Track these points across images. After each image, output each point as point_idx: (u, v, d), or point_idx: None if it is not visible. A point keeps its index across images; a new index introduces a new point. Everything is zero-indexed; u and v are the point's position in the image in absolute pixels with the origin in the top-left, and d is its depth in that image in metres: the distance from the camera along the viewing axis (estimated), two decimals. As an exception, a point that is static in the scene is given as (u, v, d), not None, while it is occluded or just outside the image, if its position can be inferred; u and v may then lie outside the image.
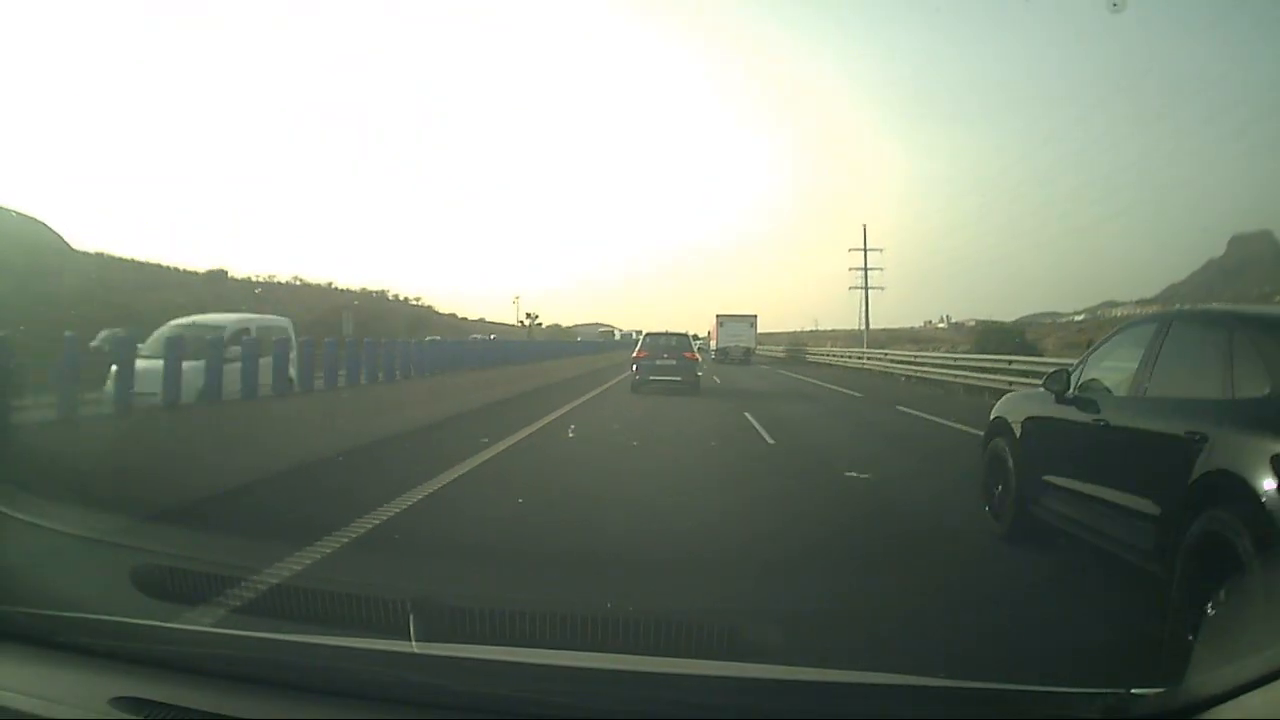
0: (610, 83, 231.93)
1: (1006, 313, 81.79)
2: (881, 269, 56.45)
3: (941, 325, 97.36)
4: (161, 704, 1.79)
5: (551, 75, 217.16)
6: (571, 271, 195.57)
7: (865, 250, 55.48)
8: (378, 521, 5.93)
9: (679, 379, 20.02)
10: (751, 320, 48.51)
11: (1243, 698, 1.48)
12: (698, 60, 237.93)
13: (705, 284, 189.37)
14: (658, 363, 20.21)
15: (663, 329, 22.22)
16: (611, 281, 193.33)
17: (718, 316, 48.64)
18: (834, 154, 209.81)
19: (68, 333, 6.13)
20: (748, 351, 46.35)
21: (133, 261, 44.18)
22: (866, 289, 54.88)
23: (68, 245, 38.87)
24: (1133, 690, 1.65)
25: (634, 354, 21.05)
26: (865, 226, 58.58)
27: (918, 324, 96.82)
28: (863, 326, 56.43)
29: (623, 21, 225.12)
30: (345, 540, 5.36)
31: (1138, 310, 76.96)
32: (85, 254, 39.80)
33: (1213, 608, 3.06)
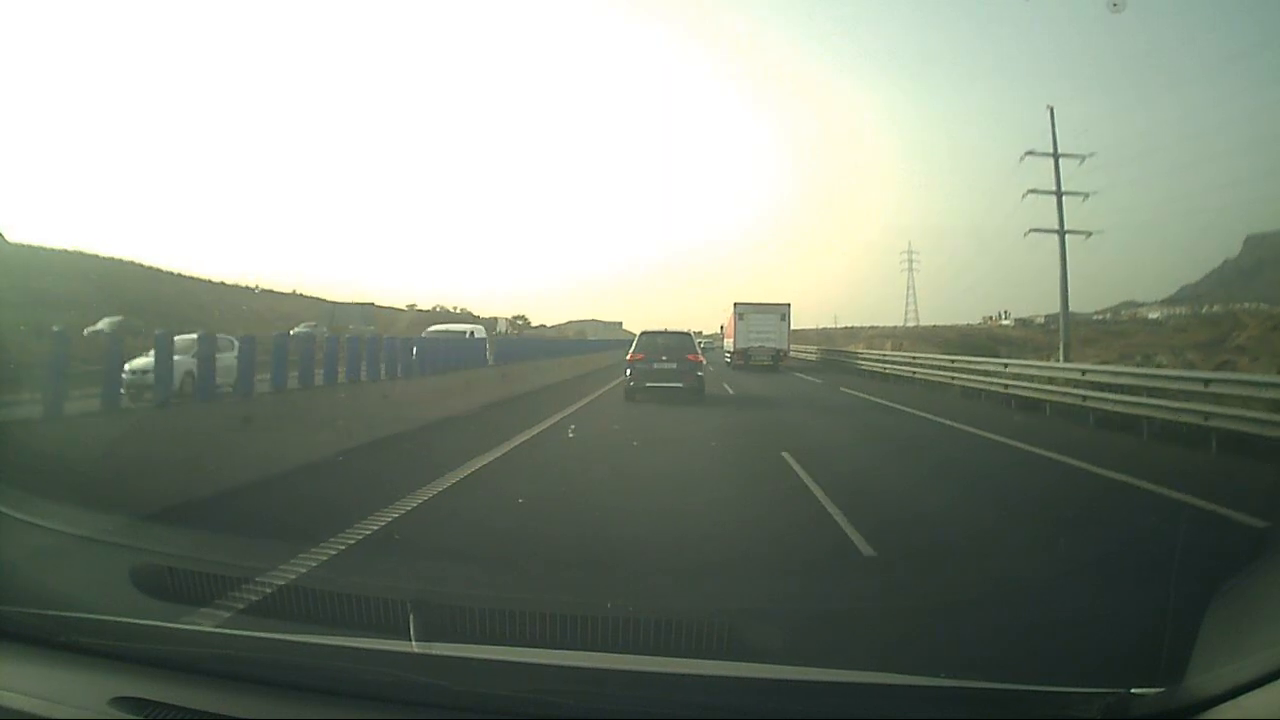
0: (593, 72, 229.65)
1: (1030, 313, 76.29)
2: (1086, 195, 28.32)
3: (1006, 323, 77.90)
4: (161, 704, 1.79)
5: (537, 66, 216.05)
6: (565, 270, 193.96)
7: (1056, 155, 27.44)
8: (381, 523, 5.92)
9: (680, 385, 17.73)
10: (783, 311, 34.93)
11: (1242, 698, 1.48)
12: (685, 44, 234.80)
13: (706, 284, 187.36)
14: (655, 366, 17.96)
15: (661, 327, 19.34)
16: (607, 281, 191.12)
17: (736, 306, 35.28)
18: (842, 146, 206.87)
19: None
20: (777, 354, 34.35)
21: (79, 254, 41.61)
22: (1062, 233, 27.04)
23: (2, 237, 37.32)
24: (1133, 690, 1.65)
25: (628, 356, 18.74)
26: (1052, 109, 28.72)
27: (974, 320, 78.06)
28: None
29: (607, 14, 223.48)
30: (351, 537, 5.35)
31: (1163, 311, 72.56)
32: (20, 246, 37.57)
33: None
